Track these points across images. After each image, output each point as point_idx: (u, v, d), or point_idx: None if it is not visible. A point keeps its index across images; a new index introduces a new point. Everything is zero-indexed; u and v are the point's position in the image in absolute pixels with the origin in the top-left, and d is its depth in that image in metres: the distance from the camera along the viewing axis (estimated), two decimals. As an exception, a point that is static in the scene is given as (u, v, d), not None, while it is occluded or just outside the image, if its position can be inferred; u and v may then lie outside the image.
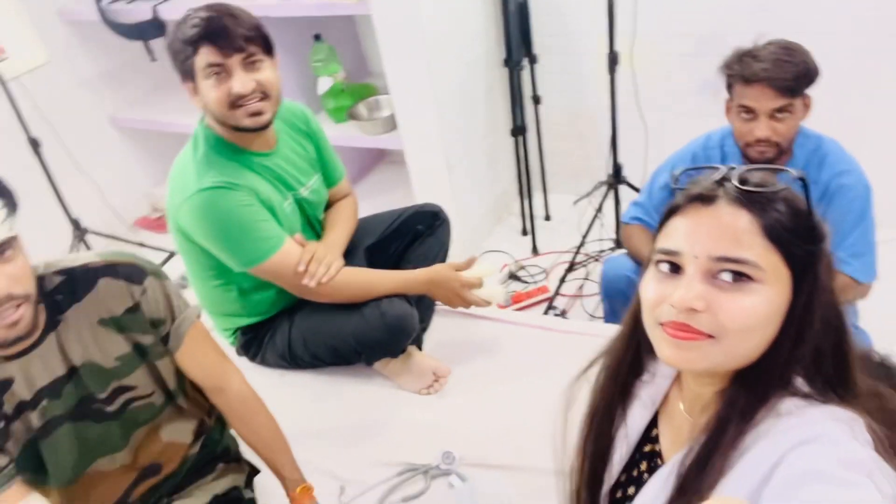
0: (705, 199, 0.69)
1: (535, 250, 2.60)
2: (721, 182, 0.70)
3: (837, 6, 1.99)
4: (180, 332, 1.14)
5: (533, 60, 2.40)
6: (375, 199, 2.55)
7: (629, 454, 0.85)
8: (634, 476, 0.85)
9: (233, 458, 1.33)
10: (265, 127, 1.41)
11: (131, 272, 1.08)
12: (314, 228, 1.64)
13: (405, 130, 2.34)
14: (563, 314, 2.23)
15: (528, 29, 2.33)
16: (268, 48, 1.37)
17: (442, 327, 1.73)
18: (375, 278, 1.50)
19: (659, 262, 0.72)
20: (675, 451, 0.75)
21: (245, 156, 1.43)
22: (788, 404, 0.68)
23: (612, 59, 2.06)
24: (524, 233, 2.68)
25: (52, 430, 1.07)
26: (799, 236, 0.67)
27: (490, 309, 1.66)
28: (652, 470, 0.82)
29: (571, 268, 2.37)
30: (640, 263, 1.75)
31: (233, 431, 1.32)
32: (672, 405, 0.83)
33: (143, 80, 2.94)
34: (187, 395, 1.22)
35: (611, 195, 2.35)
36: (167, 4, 2.47)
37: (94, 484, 1.14)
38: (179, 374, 1.18)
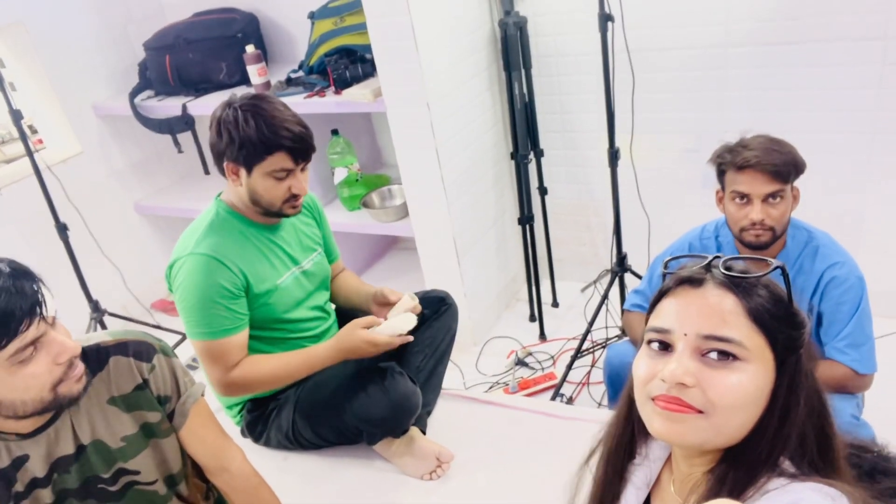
0: (694, 281, 0.74)
1: (542, 336, 2.61)
2: (708, 268, 0.75)
3: (824, 104, 2.09)
4: (185, 408, 1.17)
5: (539, 154, 2.51)
6: (387, 284, 2.59)
7: None
8: None
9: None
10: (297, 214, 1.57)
11: (140, 349, 1.12)
12: (323, 289, 1.73)
13: (416, 218, 2.43)
14: (570, 401, 2.22)
15: (534, 125, 2.46)
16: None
17: (446, 411, 1.74)
18: (285, 360, 1.53)
19: (650, 341, 0.75)
20: None
21: (256, 229, 1.54)
22: (776, 483, 0.69)
23: (613, 156, 2.16)
24: (532, 318, 2.71)
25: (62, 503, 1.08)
26: (780, 321, 0.71)
27: (495, 394, 1.67)
28: None
29: (578, 354, 2.38)
30: (643, 350, 1.77)
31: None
32: (664, 487, 0.84)
33: (169, 171, 3.10)
34: (188, 482, 1.22)
35: (616, 283, 2.39)
36: (196, 101, 2.65)
37: None
38: (183, 457, 1.20)
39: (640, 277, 2.31)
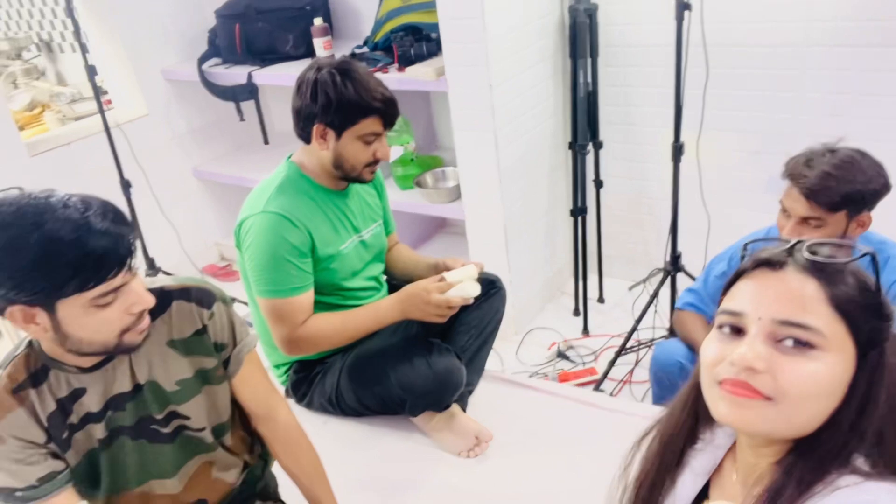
0: (773, 264, 0.71)
1: (585, 331, 2.58)
2: (791, 251, 0.71)
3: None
4: (241, 356, 1.19)
5: (598, 146, 2.47)
6: (432, 266, 2.62)
7: None
8: None
9: (271, 497, 1.34)
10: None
11: (202, 296, 1.14)
12: (378, 261, 1.75)
13: (468, 201, 2.42)
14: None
15: (595, 115, 2.42)
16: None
17: (488, 392, 1.73)
18: (349, 317, 1.54)
19: (721, 324, 0.72)
20: None
21: (323, 193, 1.55)
22: (848, 481, 0.66)
23: (677, 150, 2.11)
24: (576, 313, 2.67)
25: (114, 440, 1.11)
26: (866, 311, 0.68)
27: (537, 380, 1.65)
28: None
29: (622, 351, 2.34)
30: (694, 350, 1.73)
31: (276, 464, 1.34)
32: (725, 476, 0.81)
33: (229, 139, 3.16)
34: (234, 433, 1.25)
35: (667, 282, 2.34)
36: (261, 71, 2.68)
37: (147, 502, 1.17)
38: (231, 408, 1.22)
39: (693, 278, 2.25)
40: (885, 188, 1.42)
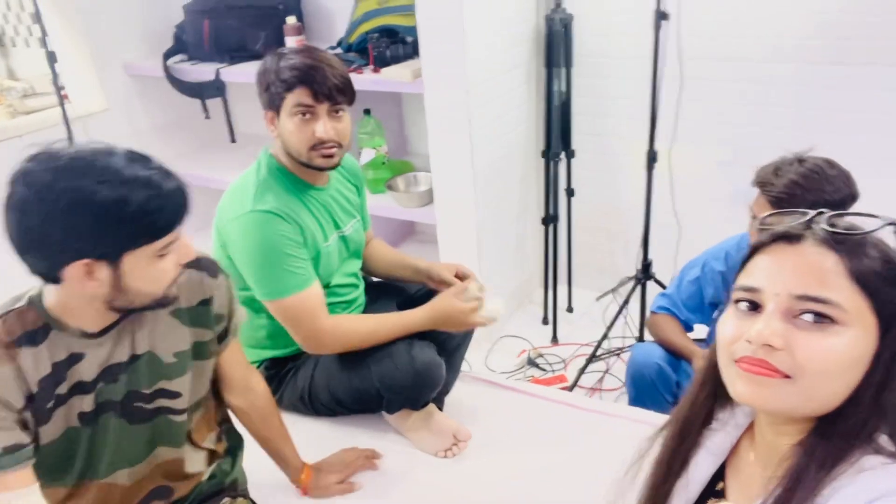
0: (791, 237, 0.69)
1: (555, 339, 2.57)
2: (809, 224, 0.69)
3: (881, 122, 2.06)
4: (235, 328, 1.20)
5: (571, 154, 2.49)
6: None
7: None
8: None
9: (239, 493, 1.27)
10: (332, 168, 1.48)
11: (211, 266, 1.13)
12: (357, 258, 1.70)
13: (441, 205, 2.40)
14: (581, 404, 2.18)
15: (568, 124, 2.44)
16: (351, 99, 1.46)
17: (465, 393, 1.69)
18: (381, 322, 1.49)
19: (738, 300, 0.70)
20: None
21: (302, 187, 1.49)
22: (872, 461, 0.64)
23: (651, 157, 2.13)
24: (545, 322, 2.67)
25: (99, 416, 1.04)
26: (888, 283, 0.66)
27: (514, 381, 1.62)
28: None
29: (593, 358, 2.33)
30: (670, 352, 1.73)
31: (244, 460, 1.28)
32: (742, 457, 0.79)
33: (194, 137, 3.06)
34: (204, 416, 1.20)
35: (637, 291, 2.36)
36: (229, 68, 2.62)
37: (106, 494, 1.09)
38: (211, 385, 1.21)
39: (663, 287, 2.27)
40: (850, 198, 1.44)
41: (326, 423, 1.60)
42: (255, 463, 1.35)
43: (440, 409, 1.62)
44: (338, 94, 1.40)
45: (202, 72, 2.65)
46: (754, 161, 1.56)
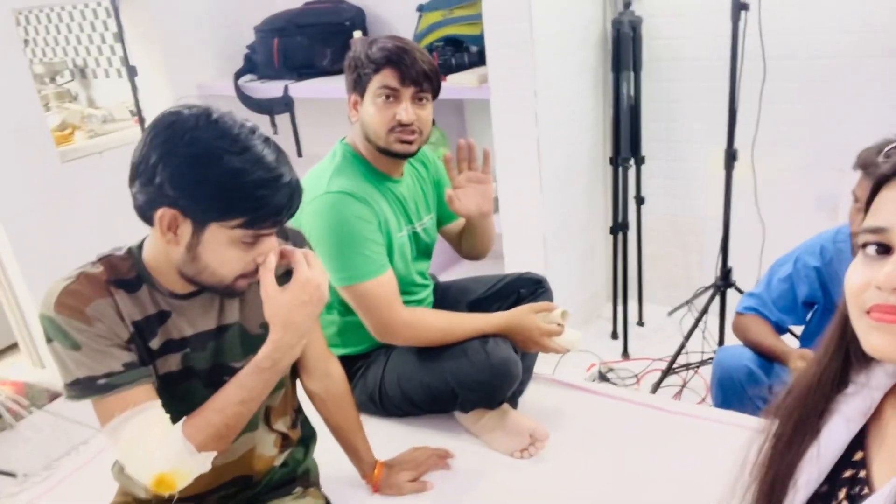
0: None
1: (625, 353, 2.46)
2: None
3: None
4: None
5: (640, 161, 2.41)
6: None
7: (821, 480, 0.71)
8: None
9: (312, 484, 1.23)
10: (410, 156, 1.46)
11: (297, 236, 1.12)
12: (426, 258, 1.64)
13: (506, 214, 2.35)
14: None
15: (638, 130, 2.37)
16: (436, 91, 1.45)
17: (539, 394, 1.61)
18: (456, 320, 1.45)
19: (865, 244, 0.63)
20: (891, 478, 0.62)
21: (377, 176, 1.47)
22: None
23: (730, 156, 2.04)
24: (614, 336, 2.56)
25: (186, 381, 1.03)
26: None
27: (591, 383, 1.54)
28: (854, 501, 0.67)
29: (669, 372, 2.21)
30: (759, 354, 1.61)
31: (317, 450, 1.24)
32: (886, 422, 0.69)
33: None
34: (284, 399, 1.17)
35: (716, 302, 2.23)
36: (297, 84, 2.67)
37: None
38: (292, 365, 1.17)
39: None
40: None
41: (397, 423, 1.55)
42: (327, 457, 1.30)
43: (515, 408, 1.54)
44: (424, 79, 1.40)
45: (271, 89, 2.71)
46: (838, 164, 1.47)
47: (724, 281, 2.18)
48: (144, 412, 0.94)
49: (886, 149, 0.69)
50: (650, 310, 2.66)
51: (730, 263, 2.18)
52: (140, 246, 1.00)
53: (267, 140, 0.92)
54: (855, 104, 2.08)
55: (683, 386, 2.23)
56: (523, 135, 2.18)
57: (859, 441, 0.70)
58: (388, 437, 1.47)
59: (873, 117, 2.05)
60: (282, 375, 1.03)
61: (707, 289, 2.27)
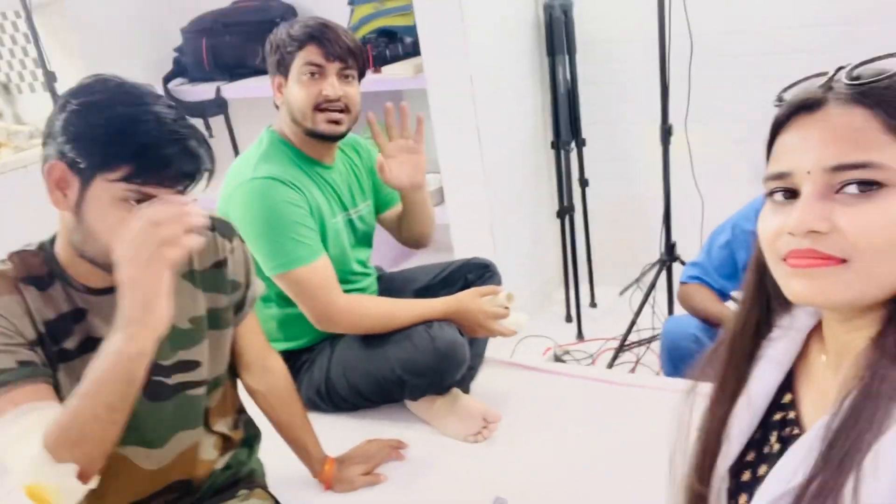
0: (811, 105, 0.60)
1: (580, 336, 2.47)
2: (828, 84, 0.61)
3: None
4: (253, 298, 1.12)
5: (581, 143, 2.43)
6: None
7: (754, 426, 0.70)
8: (765, 453, 0.69)
9: (257, 485, 1.18)
10: (338, 137, 1.43)
11: (224, 228, 1.07)
12: (366, 246, 1.61)
13: (451, 203, 2.33)
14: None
15: (576, 112, 2.38)
16: (361, 70, 1.41)
17: (491, 377, 1.60)
18: (397, 306, 1.43)
19: (772, 192, 0.62)
20: (820, 417, 0.61)
21: (307, 162, 1.43)
22: None
23: (666, 132, 2.07)
24: (568, 319, 2.57)
25: None
26: None
27: (543, 361, 1.53)
28: (786, 442, 0.67)
29: (621, 350, 2.23)
30: (705, 321, 1.63)
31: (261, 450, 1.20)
32: (812, 362, 0.69)
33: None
34: (223, 396, 1.13)
35: (663, 276, 2.26)
36: (230, 85, 2.60)
37: (123, 470, 1.00)
38: (230, 362, 1.13)
39: (689, 267, 2.17)
40: None
41: (347, 417, 1.51)
42: (275, 457, 1.26)
43: (466, 392, 1.52)
44: (349, 55, 1.38)
45: (203, 91, 2.64)
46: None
47: (669, 255, 2.20)
48: (27, 414, 0.85)
49: (778, 93, 0.69)
50: (602, 291, 2.68)
51: (673, 238, 2.21)
52: (52, 241, 0.95)
53: (172, 106, 0.89)
54: (788, 76, 2.13)
55: (637, 362, 2.25)
56: (463, 122, 2.17)
57: (787, 383, 0.70)
58: (340, 433, 1.43)
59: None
60: (141, 362, 0.84)
61: (654, 265, 2.29)
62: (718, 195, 2.29)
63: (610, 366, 2.19)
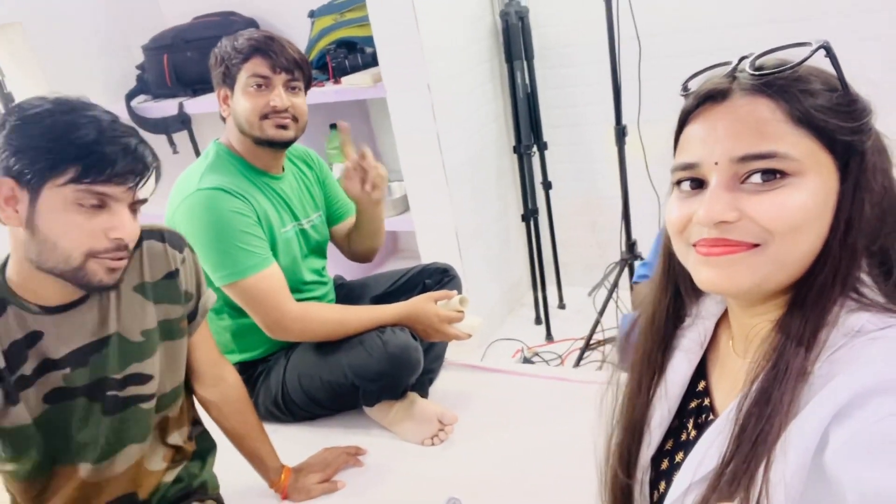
0: (716, 95, 0.61)
1: (549, 337, 2.48)
2: (733, 74, 0.62)
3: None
4: (205, 308, 1.13)
5: (543, 147, 2.45)
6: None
7: (671, 415, 0.72)
8: (682, 441, 0.71)
9: (209, 497, 1.18)
10: (286, 145, 1.44)
11: (174, 239, 1.08)
12: (319, 256, 1.61)
13: (416, 210, 2.34)
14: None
15: (536, 116, 2.41)
16: (307, 82, 1.44)
17: (449, 380, 1.61)
18: (350, 313, 1.43)
19: (679, 182, 0.63)
20: (731, 402, 0.62)
21: (255, 172, 1.44)
22: (861, 318, 0.56)
23: (620, 133, 2.10)
24: (538, 321, 2.58)
25: (67, 398, 0.98)
26: (835, 114, 0.58)
27: (500, 362, 1.54)
28: (701, 429, 0.68)
29: (587, 348, 2.24)
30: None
31: (216, 464, 1.20)
32: (722, 348, 0.71)
33: (164, 175, 3.03)
34: (179, 410, 1.13)
35: (625, 276, 2.29)
36: (193, 100, 2.61)
37: (62, 485, 1.00)
38: (185, 374, 1.13)
39: (651, 265, 2.20)
40: None
41: (305, 427, 1.51)
42: (229, 468, 1.26)
43: (424, 397, 1.53)
44: (295, 67, 1.39)
45: (165, 107, 2.64)
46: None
47: (630, 254, 2.23)
48: None
49: (683, 83, 0.71)
50: (571, 292, 2.70)
51: (634, 236, 2.24)
52: (4, 266, 0.95)
53: (110, 113, 0.92)
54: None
55: (604, 361, 2.27)
56: (423, 130, 2.18)
57: (701, 371, 0.72)
58: (298, 443, 1.44)
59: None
60: None
61: (616, 264, 2.32)
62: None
63: (576, 365, 2.21)
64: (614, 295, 2.27)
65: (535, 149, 2.44)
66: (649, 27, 2.12)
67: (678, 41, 2.19)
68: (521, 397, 1.53)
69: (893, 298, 0.57)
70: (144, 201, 0.95)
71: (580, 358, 2.21)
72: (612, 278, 2.33)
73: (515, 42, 2.29)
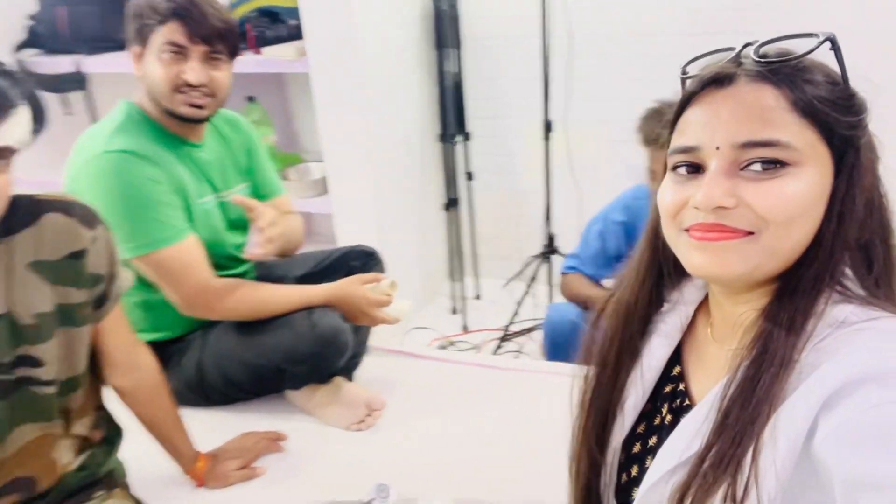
0: (721, 80, 0.61)
1: (465, 328, 2.49)
2: (738, 60, 0.62)
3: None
4: (118, 293, 1.01)
5: (466, 137, 2.45)
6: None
7: (646, 398, 0.72)
8: (656, 424, 0.71)
9: (117, 485, 1.07)
10: (200, 121, 1.32)
11: (85, 213, 0.94)
12: (243, 230, 1.50)
13: (336, 193, 2.27)
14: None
15: (462, 107, 2.41)
16: (233, 51, 1.32)
17: (376, 366, 1.56)
18: (278, 292, 1.36)
19: (676, 165, 0.62)
20: (709, 388, 0.63)
21: (169, 139, 1.32)
22: (845, 310, 0.57)
23: (546, 127, 2.13)
24: (454, 312, 2.58)
25: None
26: (835, 107, 0.58)
27: (429, 349, 1.52)
28: (677, 414, 0.69)
29: (504, 340, 2.27)
30: (584, 307, 1.70)
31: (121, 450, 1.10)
32: (700, 335, 0.71)
33: (55, 137, 2.75)
34: (83, 397, 1.01)
35: (543, 270, 2.33)
36: (93, 59, 2.39)
37: None
38: (89, 358, 1.01)
39: (568, 259, 2.26)
40: None
41: (221, 412, 1.42)
42: (138, 454, 1.15)
43: (350, 380, 1.48)
44: (217, 38, 1.27)
45: (60, 64, 2.40)
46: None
47: (549, 248, 2.28)
48: None
49: (683, 66, 0.71)
50: (487, 283, 2.72)
51: (554, 231, 2.28)
52: None
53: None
54: (662, 81, 2.24)
55: (519, 352, 2.30)
56: (350, 110, 2.12)
57: (676, 356, 0.72)
58: (213, 428, 1.34)
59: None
60: None
61: (535, 258, 2.36)
62: (594, 191, 2.39)
63: (496, 352, 2.23)
64: (530, 289, 2.31)
65: (459, 138, 2.43)
66: (583, 27, 2.16)
67: (610, 45, 2.24)
68: (447, 383, 1.52)
69: (874, 292, 0.59)
70: (12, 151, 0.79)
71: (498, 348, 2.23)
72: (530, 271, 2.37)
73: (445, 29, 2.28)
